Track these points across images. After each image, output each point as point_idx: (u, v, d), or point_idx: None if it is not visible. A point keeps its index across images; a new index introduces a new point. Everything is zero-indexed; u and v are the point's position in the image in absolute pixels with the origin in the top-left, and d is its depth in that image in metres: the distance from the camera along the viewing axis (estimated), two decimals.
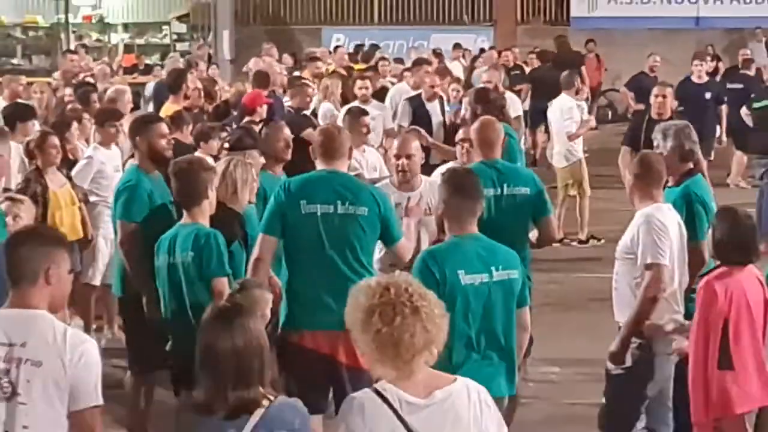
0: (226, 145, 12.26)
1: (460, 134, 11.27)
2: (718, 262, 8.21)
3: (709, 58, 21.27)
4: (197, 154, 12.03)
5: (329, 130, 9.74)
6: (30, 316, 5.99)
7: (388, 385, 5.21)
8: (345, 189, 8.76)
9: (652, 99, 15.19)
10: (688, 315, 8.68)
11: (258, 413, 5.70)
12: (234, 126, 13.90)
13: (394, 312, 5.11)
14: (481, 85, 16.42)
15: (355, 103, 15.85)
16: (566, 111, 18.29)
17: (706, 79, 21.14)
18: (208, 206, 8.79)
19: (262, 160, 11.03)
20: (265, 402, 5.74)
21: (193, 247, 8.48)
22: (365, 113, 13.44)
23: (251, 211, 9.55)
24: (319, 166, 9.02)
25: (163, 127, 10.73)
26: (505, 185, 10.12)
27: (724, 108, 21.39)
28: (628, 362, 8.64)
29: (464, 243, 7.71)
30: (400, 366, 5.17)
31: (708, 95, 20.74)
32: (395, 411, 5.14)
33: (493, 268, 7.56)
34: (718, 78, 24.75)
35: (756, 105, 19.94)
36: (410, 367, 5.17)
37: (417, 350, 5.13)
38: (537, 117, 22.88)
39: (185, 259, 8.48)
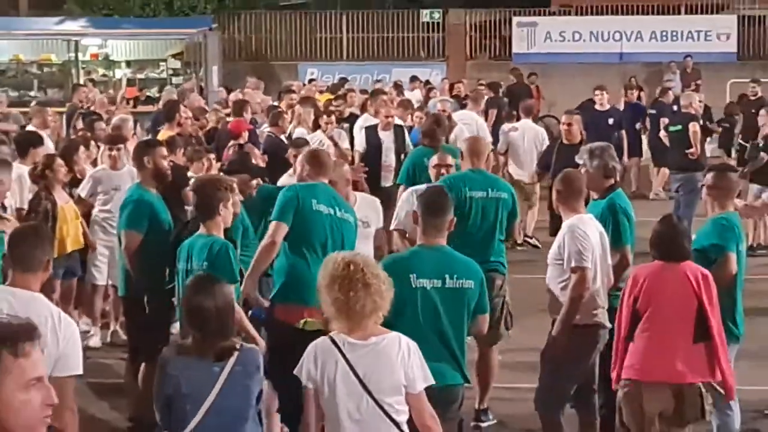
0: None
1: (434, 160, 11.15)
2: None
3: (605, 92, 20.72)
4: (189, 173, 12.10)
5: (319, 153, 9.87)
6: (31, 297, 6.45)
7: (339, 333, 6.05)
8: (337, 199, 9.07)
9: (561, 127, 14.87)
10: (612, 309, 8.68)
11: (234, 356, 6.24)
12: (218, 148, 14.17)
13: (349, 285, 5.97)
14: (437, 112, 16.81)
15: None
16: (537, 134, 18.19)
17: (608, 106, 20.88)
18: (222, 220, 8.53)
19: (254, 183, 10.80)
20: (237, 347, 6.31)
21: (207, 257, 8.26)
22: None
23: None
24: (311, 180, 9.16)
25: (164, 150, 10.49)
26: (489, 189, 10.35)
27: (624, 132, 21.16)
28: (561, 351, 8.54)
29: (423, 252, 7.50)
30: (351, 325, 6.02)
31: (610, 121, 20.52)
32: (339, 349, 5.98)
33: (447, 276, 7.31)
34: (644, 103, 24.54)
35: (671, 128, 19.59)
36: (359, 326, 6.01)
37: (365, 316, 6.01)
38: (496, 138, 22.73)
39: (200, 268, 8.20)
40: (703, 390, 7.88)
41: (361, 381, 5.97)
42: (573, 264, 8.40)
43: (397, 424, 6.05)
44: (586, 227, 8.58)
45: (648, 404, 8.00)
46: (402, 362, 6.04)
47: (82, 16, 35.64)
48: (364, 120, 18.07)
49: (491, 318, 10.10)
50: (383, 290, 6.04)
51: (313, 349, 6.10)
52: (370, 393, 5.97)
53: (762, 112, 18.85)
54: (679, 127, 18.76)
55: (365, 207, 9.65)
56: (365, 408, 6.00)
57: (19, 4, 50.60)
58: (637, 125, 22.71)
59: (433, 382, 6.31)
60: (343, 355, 5.98)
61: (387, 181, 14.73)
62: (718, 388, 8.01)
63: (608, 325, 8.66)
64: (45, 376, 3.72)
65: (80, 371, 6.45)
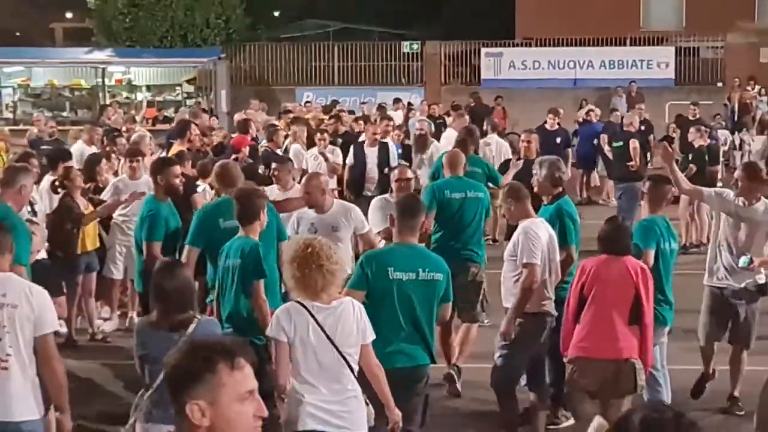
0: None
1: (395, 174, 11.04)
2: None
3: (557, 116, 20.44)
4: (199, 182, 12.17)
5: (227, 166, 10.21)
6: (6, 277, 6.73)
7: (304, 300, 6.40)
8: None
9: (521, 144, 14.90)
10: (559, 300, 8.78)
11: (192, 326, 6.50)
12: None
13: (305, 265, 6.33)
14: (418, 132, 17.09)
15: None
16: (502, 147, 18.06)
17: (556, 127, 20.65)
18: (259, 225, 8.45)
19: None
20: (195, 319, 6.58)
21: (240, 255, 8.21)
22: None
23: None
24: (222, 193, 9.73)
25: (177, 170, 10.45)
26: (468, 191, 10.69)
27: (569, 150, 21.09)
28: (513, 336, 8.54)
29: (399, 249, 7.55)
30: (306, 297, 6.38)
31: (558, 140, 20.27)
32: (309, 311, 6.34)
33: (420, 270, 7.33)
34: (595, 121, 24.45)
35: (614, 144, 19.62)
36: (313, 298, 6.36)
37: (319, 291, 6.34)
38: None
39: (235, 264, 8.22)
40: (638, 366, 7.92)
41: (328, 337, 6.34)
42: (524, 260, 8.44)
43: (352, 371, 6.44)
44: (537, 229, 8.61)
45: (590, 378, 8.04)
46: (356, 321, 6.44)
47: (108, 46, 35.59)
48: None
49: (472, 301, 10.16)
50: (334, 270, 6.35)
51: (285, 310, 6.50)
52: (335, 346, 6.35)
53: (691, 129, 18.92)
54: (621, 143, 18.86)
55: (338, 214, 9.52)
56: (331, 358, 6.37)
57: (55, 36, 50.54)
58: (595, 141, 22.70)
59: (374, 337, 6.63)
60: (313, 316, 6.33)
61: (369, 191, 14.66)
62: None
63: (554, 313, 8.72)
64: (256, 389, 3.64)
65: (56, 328, 6.98)
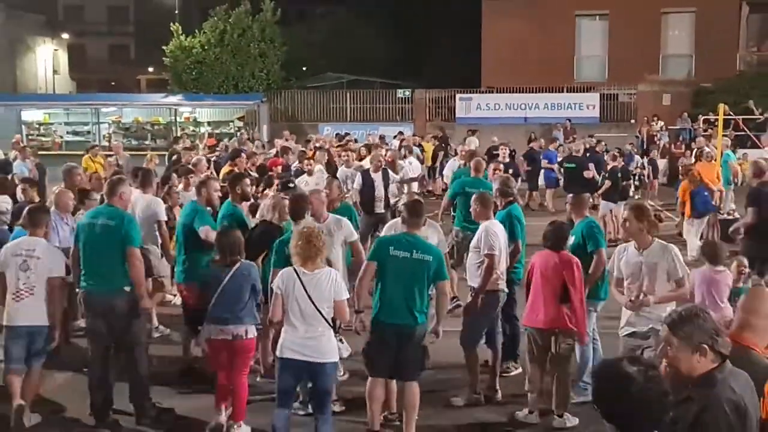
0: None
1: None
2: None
3: (505, 147, 19.67)
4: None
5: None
6: (37, 240, 8.02)
7: (298, 266, 6.70)
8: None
9: (490, 171, 14.39)
10: (510, 280, 8.92)
11: (237, 264, 7.58)
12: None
13: (303, 241, 6.70)
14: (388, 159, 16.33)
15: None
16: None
17: (507, 160, 19.37)
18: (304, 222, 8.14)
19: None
20: (240, 260, 7.61)
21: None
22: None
23: (288, 225, 8.70)
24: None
25: (216, 185, 9.78)
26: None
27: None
28: (476, 307, 8.49)
29: (403, 237, 7.52)
30: (301, 261, 6.69)
31: (510, 170, 19.91)
32: (298, 275, 6.67)
33: (414, 251, 7.29)
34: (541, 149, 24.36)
35: (567, 165, 19.72)
36: (306, 262, 6.68)
37: (309, 257, 6.68)
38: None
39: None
40: (561, 336, 7.86)
41: (308, 295, 6.64)
42: (486, 252, 8.39)
43: (324, 318, 6.68)
44: (495, 227, 8.59)
45: (531, 341, 8.07)
46: (330, 285, 6.70)
47: (180, 93, 35.64)
48: (360, 165, 18.04)
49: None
50: (320, 248, 6.71)
51: (283, 272, 6.83)
52: (312, 300, 6.63)
53: (607, 155, 19.39)
54: (574, 165, 18.97)
55: (331, 224, 8.93)
56: (309, 308, 6.65)
57: (140, 85, 50.68)
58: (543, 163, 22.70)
59: (348, 296, 6.98)
60: (300, 279, 6.66)
61: (379, 209, 13.96)
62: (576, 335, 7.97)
63: (506, 290, 8.69)
64: None
65: (62, 274, 8.02)
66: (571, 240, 8.39)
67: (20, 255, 7.87)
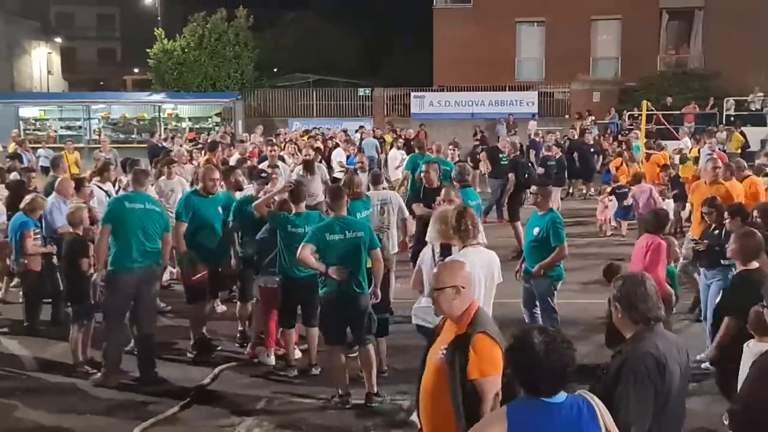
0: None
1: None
2: None
3: (455, 147, 16.61)
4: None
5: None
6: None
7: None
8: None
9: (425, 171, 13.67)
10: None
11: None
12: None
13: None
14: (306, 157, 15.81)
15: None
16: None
17: (457, 159, 17.03)
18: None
19: None
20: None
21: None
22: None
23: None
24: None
25: (216, 174, 9.05)
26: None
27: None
28: None
29: (335, 221, 7.30)
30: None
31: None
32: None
33: (346, 232, 7.19)
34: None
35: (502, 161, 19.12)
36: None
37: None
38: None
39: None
40: None
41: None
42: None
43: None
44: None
45: None
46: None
47: (162, 91, 35.16)
48: (337, 154, 18.69)
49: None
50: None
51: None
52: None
53: (545, 146, 19.48)
54: (505, 160, 18.01)
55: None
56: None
57: (126, 85, 50.02)
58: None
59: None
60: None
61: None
62: None
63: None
64: None
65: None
66: (536, 231, 8.26)
67: None
